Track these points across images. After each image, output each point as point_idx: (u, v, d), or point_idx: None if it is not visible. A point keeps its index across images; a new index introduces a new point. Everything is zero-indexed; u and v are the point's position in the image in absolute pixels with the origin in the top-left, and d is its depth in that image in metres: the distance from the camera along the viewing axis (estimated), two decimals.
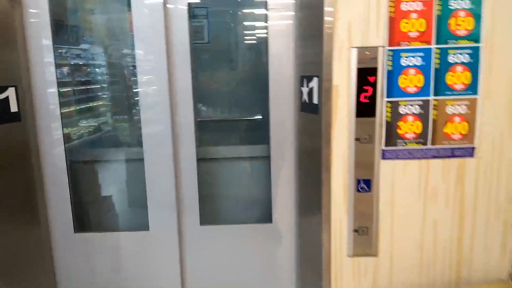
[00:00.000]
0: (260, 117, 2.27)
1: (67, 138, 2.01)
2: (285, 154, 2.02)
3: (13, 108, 1.77)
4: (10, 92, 1.75)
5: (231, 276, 2.13)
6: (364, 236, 1.74)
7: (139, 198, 2.04)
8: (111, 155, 2.26)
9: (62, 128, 1.95)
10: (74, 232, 2.04)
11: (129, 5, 1.88)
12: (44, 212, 2.00)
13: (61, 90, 1.95)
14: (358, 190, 1.70)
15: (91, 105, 2.42)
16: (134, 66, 1.93)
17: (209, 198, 2.16)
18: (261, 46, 2.12)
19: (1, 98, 1.71)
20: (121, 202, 2.29)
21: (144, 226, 2.04)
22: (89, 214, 2.21)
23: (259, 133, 2.21)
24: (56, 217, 2.03)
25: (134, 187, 2.23)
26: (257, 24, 2.24)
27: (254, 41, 2.32)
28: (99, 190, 2.27)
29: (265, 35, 1.95)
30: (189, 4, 1.91)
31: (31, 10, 1.84)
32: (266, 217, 2.11)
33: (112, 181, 2.30)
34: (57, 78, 1.91)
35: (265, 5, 1.92)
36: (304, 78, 1.78)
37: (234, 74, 2.45)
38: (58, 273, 2.09)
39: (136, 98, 1.98)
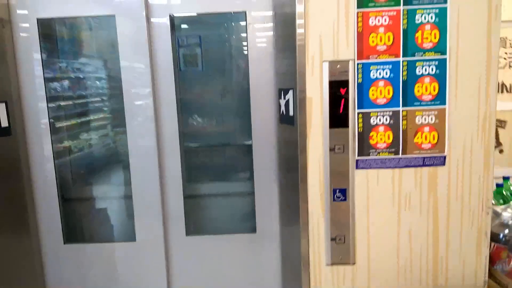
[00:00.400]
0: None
1: (57, 151, 2.09)
2: (267, 165, 2.07)
3: (4, 123, 1.86)
4: (1, 108, 1.84)
5: (217, 284, 2.17)
6: (342, 244, 1.78)
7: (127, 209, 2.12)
8: (98, 168, 2.34)
9: (52, 141, 2.03)
10: (64, 243, 2.10)
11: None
12: (35, 224, 2.07)
13: (51, 105, 2.04)
14: (334, 199, 1.75)
15: (81, 119, 2.52)
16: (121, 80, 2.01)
17: (194, 208, 2.22)
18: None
19: None
20: (109, 213, 2.37)
21: (131, 237, 2.11)
22: (78, 226, 2.28)
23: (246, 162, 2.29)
24: (46, 229, 2.09)
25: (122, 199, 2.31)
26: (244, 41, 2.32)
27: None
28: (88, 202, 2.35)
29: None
30: (171, 17, 1.99)
31: (21, 25, 1.94)
32: (251, 227, 2.16)
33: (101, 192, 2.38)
34: (46, 92, 1.99)
35: (244, 18, 1.99)
36: (281, 91, 1.86)
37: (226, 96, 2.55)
38: (48, 282, 2.15)
39: (122, 113, 2.07)
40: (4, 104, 1.86)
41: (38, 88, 1.98)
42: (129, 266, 2.13)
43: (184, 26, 2.38)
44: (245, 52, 2.04)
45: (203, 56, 2.44)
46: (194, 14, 2.02)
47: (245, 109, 2.07)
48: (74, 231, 2.24)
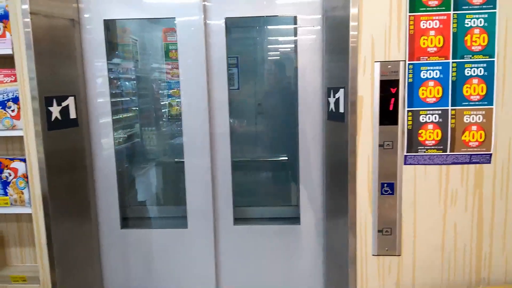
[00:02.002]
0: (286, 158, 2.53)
1: (117, 142, 2.24)
2: (312, 160, 2.17)
3: (72, 115, 2.01)
4: (70, 101, 2.00)
5: (262, 272, 2.28)
6: (388, 236, 1.86)
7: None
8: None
9: (113, 134, 2.18)
10: (120, 228, 2.25)
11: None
12: (95, 209, 2.22)
13: (112, 100, 2.20)
14: (382, 193, 1.84)
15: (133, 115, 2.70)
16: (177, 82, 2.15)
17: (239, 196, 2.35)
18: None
19: (63, 105, 1.95)
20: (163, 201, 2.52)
21: (183, 225, 2.24)
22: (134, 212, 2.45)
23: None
24: (105, 214, 2.24)
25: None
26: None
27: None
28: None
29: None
30: (226, 20, 2.11)
31: (88, 26, 2.10)
32: (295, 219, 2.26)
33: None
34: (110, 89, 2.15)
35: (294, 21, 2.10)
36: (331, 89, 1.96)
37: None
38: (104, 264, 2.30)
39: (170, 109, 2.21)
40: (73, 98, 2.01)
41: (102, 85, 2.14)
42: (180, 250, 2.27)
43: (231, 61, 2.56)
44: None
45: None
46: (248, 16, 2.13)
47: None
48: (130, 218, 2.40)
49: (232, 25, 2.27)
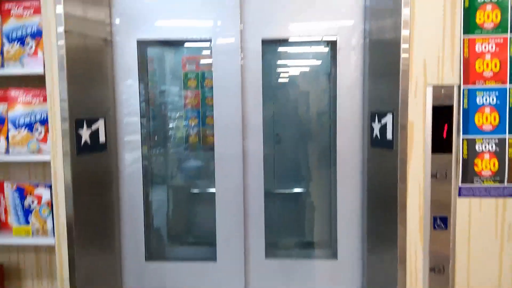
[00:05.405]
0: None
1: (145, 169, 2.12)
2: (352, 190, 2.05)
3: (102, 138, 1.91)
4: (100, 124, 1.90)
5: None
6: (441, 275, 1.71)
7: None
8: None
9: (142, 160, 2.07)
10: (145, 261, 2.10)
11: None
12: (119, 240, 2.08)
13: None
14: (435, 228, 1.70)
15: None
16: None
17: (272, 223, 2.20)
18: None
19: (93, 129, 1.85)
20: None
21: (212, 257, 2.10)
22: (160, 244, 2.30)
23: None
24: (130, 246, 2.10)
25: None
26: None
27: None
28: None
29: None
30: (263, 41, 2.03)
31: (121, 45, 2.03)
32: (332, 253, 2.12)
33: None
34: (141, 113, 2.05)
35: (329, 45, 2.03)
36: (376, 114, 1.85)
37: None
38: None
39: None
40: (103, 120, 1.91)
41: (133, 107, 2.05)
42: (208, 285, 2.11)
43: None
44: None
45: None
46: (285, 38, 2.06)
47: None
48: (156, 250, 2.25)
49: None
